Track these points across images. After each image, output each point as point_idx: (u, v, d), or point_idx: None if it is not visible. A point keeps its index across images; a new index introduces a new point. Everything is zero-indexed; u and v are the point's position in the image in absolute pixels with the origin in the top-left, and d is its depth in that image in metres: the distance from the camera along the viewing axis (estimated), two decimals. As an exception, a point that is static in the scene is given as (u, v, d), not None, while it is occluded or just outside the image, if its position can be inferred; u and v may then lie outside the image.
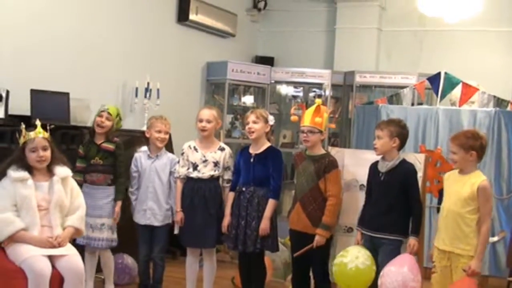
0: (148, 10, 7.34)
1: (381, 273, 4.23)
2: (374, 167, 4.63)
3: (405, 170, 4.48)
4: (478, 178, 4.16)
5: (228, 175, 5.15)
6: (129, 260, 5.76)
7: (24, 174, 4.13)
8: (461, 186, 4.18)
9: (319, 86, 8.81)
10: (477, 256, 4.09)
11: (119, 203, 5.19)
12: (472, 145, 4.17)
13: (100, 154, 5.19)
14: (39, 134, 4.22)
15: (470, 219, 4.13)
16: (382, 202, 4.49)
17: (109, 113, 5.21)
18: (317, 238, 4.62)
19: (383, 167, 4.54)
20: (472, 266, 4.05)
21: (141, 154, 5.34)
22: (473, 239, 4.11)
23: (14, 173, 4.14)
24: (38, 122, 4.29)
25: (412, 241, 4.36)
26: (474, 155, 4.18)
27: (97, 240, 5.14)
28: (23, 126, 4.28)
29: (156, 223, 5.23)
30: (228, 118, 8.47)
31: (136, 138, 6.15)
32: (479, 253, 4.10)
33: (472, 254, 4.09)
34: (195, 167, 5.10)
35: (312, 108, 4.73)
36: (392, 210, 4.44)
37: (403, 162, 4.52)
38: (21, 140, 4.24)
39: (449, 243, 4.19)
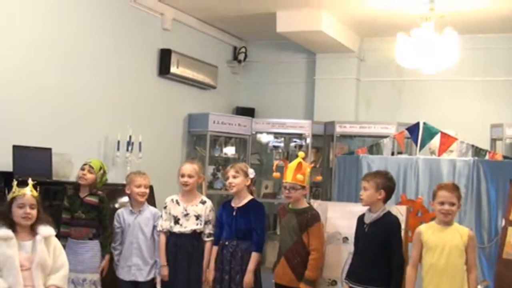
0: (129, 63, 7.41)
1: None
2: (361, 218, 4.61)
3: (389, 222, 4.46)
4: (463, 228, 4.27)
5: (209, 229, 5.12)
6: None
7: (8, 232, 4.09)
8: (451, 238, 4.19)
9: (300, 136, 8.89)
10: None
11: (107, 257, 5.16)
12: (460, 197, 4.29)
13: (82, 207, 5.18)
14: (29, 192, 4.22)
15: (464, 269, 4.18)
16: (366, 254, 4.47)
17: (91, 166, 5.22)
18: (300, 293, 4.61)
19: (368, 219, 4.52)
20: None
21: (123, 210, 5.34)
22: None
23: (-2, 231, 4.11)
24: (30, 181, 4.28)
25: None
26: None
27: (79, 296, 5.09)
28: (15, 182, 4.28)
29: (140, 279, 5.18)
30: (210, 169, 8.50)
31: (118, 192, 6.13)
32: None
33: None
34: (176, 220, 5.09)
35: (294, 164, 4.73)
36: (377, 262, 4.40)
37: (388, 214, 4.50)
38: (10, 195, 4.23)
39: None
